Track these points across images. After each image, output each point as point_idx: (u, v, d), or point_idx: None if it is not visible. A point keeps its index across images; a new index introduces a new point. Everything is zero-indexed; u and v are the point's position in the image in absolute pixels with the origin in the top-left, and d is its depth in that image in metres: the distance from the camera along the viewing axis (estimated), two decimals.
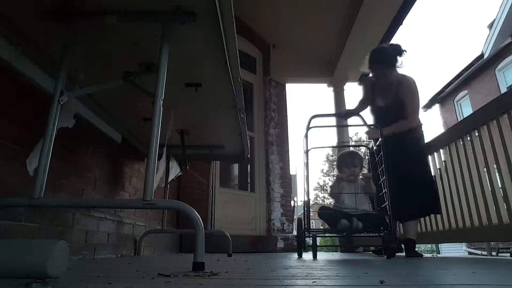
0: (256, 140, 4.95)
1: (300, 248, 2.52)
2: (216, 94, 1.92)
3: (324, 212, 2.57)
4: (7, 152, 1.44)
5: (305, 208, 2.60)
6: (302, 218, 2.56)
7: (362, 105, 2.92)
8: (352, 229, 2.34)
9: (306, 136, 2.71)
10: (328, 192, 2.76)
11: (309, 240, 2.45)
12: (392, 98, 2.66)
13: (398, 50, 2.60)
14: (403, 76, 2.66)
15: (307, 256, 2.59)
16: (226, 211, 4.20)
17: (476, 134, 2.57)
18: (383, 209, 2.35)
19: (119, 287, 0.78)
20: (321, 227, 2.88)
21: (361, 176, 2.59)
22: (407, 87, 2.61)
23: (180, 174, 3.19)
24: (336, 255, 3.37)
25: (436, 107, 13.38)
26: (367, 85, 2.85)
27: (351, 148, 3.65)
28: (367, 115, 2.89)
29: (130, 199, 2.61)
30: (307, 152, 2.67)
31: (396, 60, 2.60)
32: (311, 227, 2.68)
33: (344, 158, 2.69)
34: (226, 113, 2.11)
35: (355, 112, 2.91)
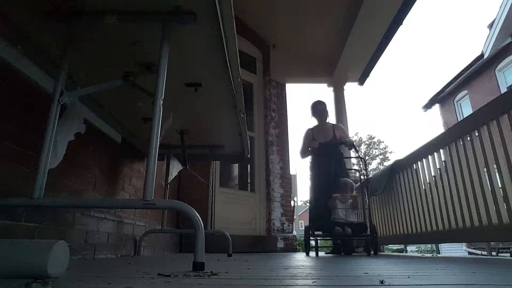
0: (256, 140, 4.95)
1: (307, 248, 3.42)
2: (216, 94, 1.92)
3: (323, 223, 3.42)
4: (7, 152, 1.44)
5: (310, 218, 3.59)
6: (308, 226, 3.46)
7: (308, 149, 3.94)
8: (344, 233, 3.19)
9: (303, 158, 3.81)
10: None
11: (312, 242, 3.34)
12: (332, 136, 3.85)
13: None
14: (336, 123, 4.28)
15: (312, 254, 3.29)
16: (226, 211, 4.20)
17: (476, 134, 2.57)
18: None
19: (119, 287, 0.78)
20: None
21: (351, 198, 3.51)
22: (342, 128, 4.04)
23: (181, 168, 3.19)
24: (336, 256, 3.41)
25: (436, 107, 13.37)
26: (308, 133, 3.99)
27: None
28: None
29: (130, 199, 2.61)
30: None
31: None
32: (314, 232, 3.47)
33: (340, 186, 3.49)
34: (226, 113, 2.11)
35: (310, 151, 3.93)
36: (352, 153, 4.28)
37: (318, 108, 4.01)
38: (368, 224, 3.27)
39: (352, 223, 3.28)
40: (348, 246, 3.87)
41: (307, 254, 3.29)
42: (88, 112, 2.05)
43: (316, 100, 4.14)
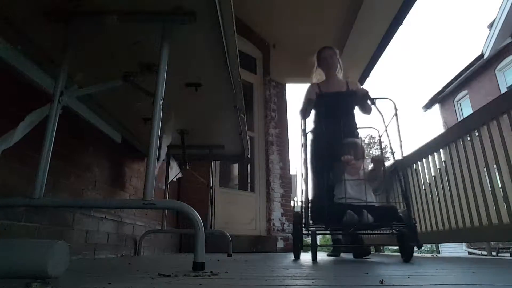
0: (256, 140, 4.95)
1: (297, 248, 2.14)
2: (216, 94, 1.92)
3: (323, 206, 2.07)
4: (7, 152, 1.44)
5: (303, 199, 2.22)
6: (300, 211, 2.20)
7: (311, 102, 2.77)
8: (363, 223, 1.93)
9: (304, 118, 2.54)
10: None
11: (306, 239, 2.16)
12: (345, 88, 2.82)
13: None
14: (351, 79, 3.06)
15: (306, 256, 2.32)
16: (226, 211, 4.20)
17: (476, 134, 2.57)
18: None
19: (119, 287, 0.78)
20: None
21: (367, 167, 2.28)
22: (357, 83, 2.97)
23: (180, 176, 3.19)
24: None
25: (436, 107, 13.38)
26: (313, 88, 2.89)
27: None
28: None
29: (130, 199, 2.61)
30: (304, 131, 2.44)
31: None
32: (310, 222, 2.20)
33: (345, 150, 2.29)
34: (226, 113, 2.11)
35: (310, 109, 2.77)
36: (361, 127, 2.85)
37: (325, 55, 2.96)
38: (400, 207, 2.21)
39: (373, 207, 2.05)
40: (358, 246, 2.63)
41: (297, 258, 2.14)
42: (88, 112, 2.05)
43: (323, 46, 3.09)
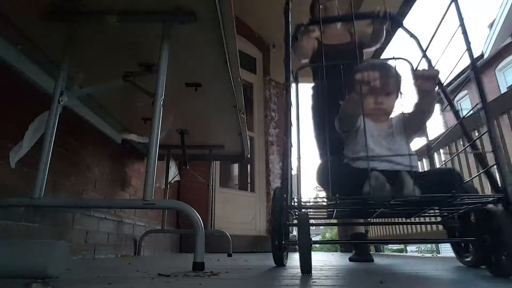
0: (256, 140, 4.95)
1: (277, 248, 1.35)
2: (216, 94, 1.92)
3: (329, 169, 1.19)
4: (7, 152, 1.44)
5: (285, 161, 1.39)
6: (282, 184, 1.36)
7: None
8: (403, 196, 1.08)
9: (288, 55, 1.68)
10: (339, 120, 1.41)
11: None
12: (350, 39, 2.32)
13: None
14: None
15: (292, 260, 1.73)
16: (226, 211, 4.20)
17: (476, 134, 2.57)
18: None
19: (119, 287, 0.78)
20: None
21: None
22: (365, 32, 2.28)
23: (178, 179, 3.18)
24: (336, 256, 3.34)
25: (436, 107, 13.38)
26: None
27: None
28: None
29: (130, 199, 2.61)
30: (288, 72, 1.61)
31: None
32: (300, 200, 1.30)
33: (364, 67, 1.33)
34: (226, 113, 2.11)
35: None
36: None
37: (320, 3, 2.28)
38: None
39: (416, 172, 1.23)
40: (362, 245, 2.09)
41: (279, 264, 1.43)
42: (88, 112, 2.05)
43: None
